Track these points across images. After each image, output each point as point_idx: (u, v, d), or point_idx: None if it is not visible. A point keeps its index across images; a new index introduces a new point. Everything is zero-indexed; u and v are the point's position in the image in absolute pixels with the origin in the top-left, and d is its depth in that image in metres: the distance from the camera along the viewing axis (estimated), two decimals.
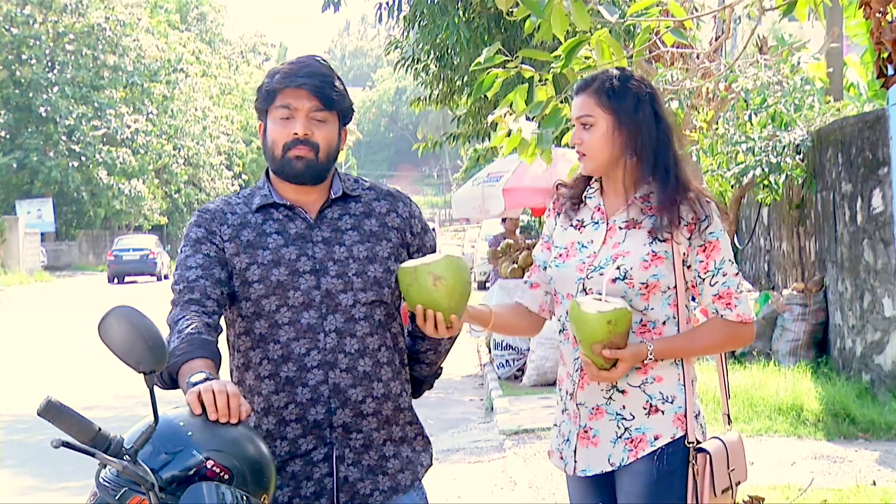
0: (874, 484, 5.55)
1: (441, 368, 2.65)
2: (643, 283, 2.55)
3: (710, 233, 2.57)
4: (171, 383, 2.21)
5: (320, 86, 2.38)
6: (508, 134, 4.32)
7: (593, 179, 2.72)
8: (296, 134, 2.37)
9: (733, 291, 2.58)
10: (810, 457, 6.24)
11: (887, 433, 6.71)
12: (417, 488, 2.49)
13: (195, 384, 2.06)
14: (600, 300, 2.50)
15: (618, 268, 2.55)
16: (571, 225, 2.71)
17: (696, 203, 2.58)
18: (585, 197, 2.71)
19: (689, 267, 2.59)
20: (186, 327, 2.23)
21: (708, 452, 2.56)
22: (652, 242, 2.56)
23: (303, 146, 2.38)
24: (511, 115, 4.27)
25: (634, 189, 2.62)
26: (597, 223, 2.67)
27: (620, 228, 2.62)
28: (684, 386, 2.59)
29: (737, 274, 2.60)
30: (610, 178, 2.67)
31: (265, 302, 2.36)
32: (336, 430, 2.36)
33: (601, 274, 2.57)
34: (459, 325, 2.34)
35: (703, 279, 2.58)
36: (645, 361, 2.54)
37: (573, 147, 2.66)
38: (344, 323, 2.37)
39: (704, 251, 2.57)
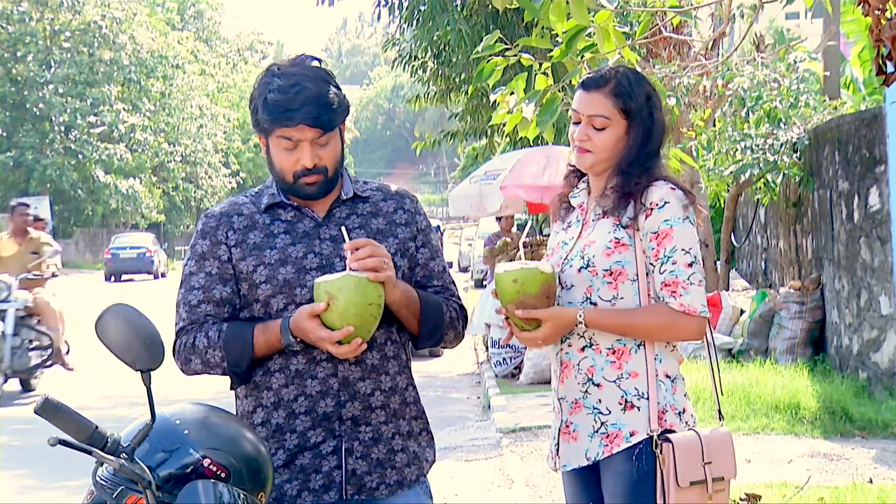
0: (871, 482, 5.55)
1: (443, 335, 2.52)
2: (606, 270, 2.54)
3: (665, 220, 2.53)
4: (245, 375, 2.38)
5: (317, 115, 2.32)
6: (509, 113, 4.31)
7: (581, 180, 2.74)
8: (304, 166, 2.36)
9: (681, 281, 2.52)
10: (807, 455, 6.24)
11: (884, 431, 6.71)
12: (422, 483, 2.50)
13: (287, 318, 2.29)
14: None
15: (582, 257, 2.57)
16: (563, 228, 2.76)
17: (659, 189, 2.55)
18: (570, 197, 2.74)
19: (645, 253, 2.58)
20: (214, 333, 2.34)
21: (671, 442, 2.52)
22: (615, 229, 2.56)
23: (313, 174, 2.37)
24: (513, 94, 4.26)
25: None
26: (579, 221, 2.70)
27: (593, 220, 2.64)
28: (661, 382, 2.56)
29: (690, 265, 2.53)
30: (601, 177, 2.67)
31: (273, 301, 2.37)
32: (345, 422, 2.38)
33: (571, 266, 2.60)
34: (355, 347, 2.26)
35: (654, 266, 2.55)
36: (576, 327, 2.54)
37: (580, 141, 2.63)
38: None
39: (657, 238, 2.54)
